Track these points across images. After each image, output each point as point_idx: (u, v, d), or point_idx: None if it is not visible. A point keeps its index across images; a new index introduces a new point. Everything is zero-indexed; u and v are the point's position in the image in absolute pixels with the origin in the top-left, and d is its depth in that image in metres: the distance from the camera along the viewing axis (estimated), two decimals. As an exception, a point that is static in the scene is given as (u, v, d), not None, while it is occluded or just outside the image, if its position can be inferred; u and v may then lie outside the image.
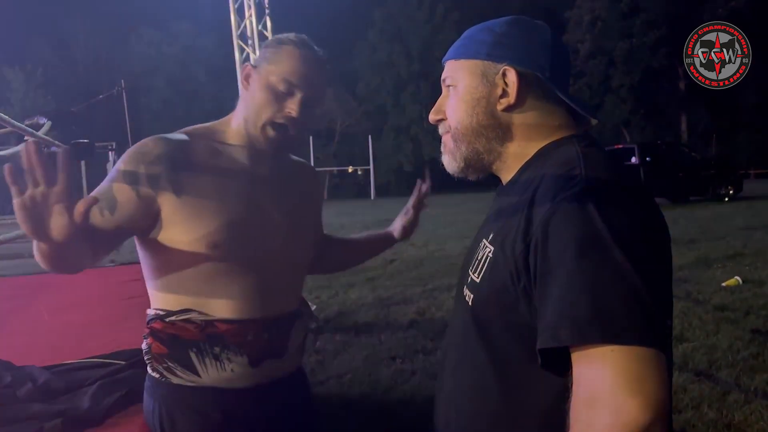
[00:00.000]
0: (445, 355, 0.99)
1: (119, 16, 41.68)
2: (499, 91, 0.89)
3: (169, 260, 1.15)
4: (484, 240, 0.88)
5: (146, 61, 42.44)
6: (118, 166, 1.15)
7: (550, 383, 0.77)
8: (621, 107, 37.50)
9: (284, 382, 1.26)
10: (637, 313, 0.68)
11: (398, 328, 4.75)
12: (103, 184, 1.13)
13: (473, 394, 0.87)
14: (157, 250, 1.16)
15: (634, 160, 15.32)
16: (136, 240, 1.20)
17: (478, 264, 0.87)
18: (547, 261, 0.74)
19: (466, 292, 0.89)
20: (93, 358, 1.68)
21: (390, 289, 6.34)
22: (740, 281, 5.66)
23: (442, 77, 0.96)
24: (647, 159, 15.49)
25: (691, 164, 16.47)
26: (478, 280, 0.86)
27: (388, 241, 1.55)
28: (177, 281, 1.15)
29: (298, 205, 1.30)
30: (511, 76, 0.87)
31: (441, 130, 0.97)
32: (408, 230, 1.53)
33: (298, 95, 1.16)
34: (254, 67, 1.20)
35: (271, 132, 1.17)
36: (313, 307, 5.31)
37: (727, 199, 16.23)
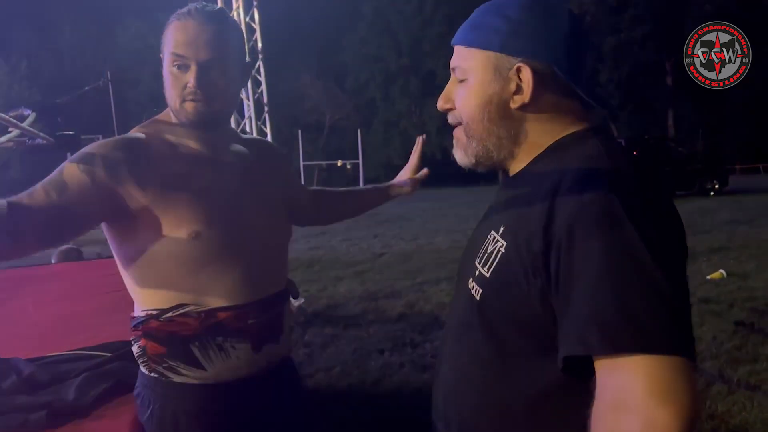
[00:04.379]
0: (444, 347, 0.95)
1: (105, 7, 41.14)
2: (513, 87, 0.84)
3: (153, 259, 1.13)
4: (494, 232, 0.85)
5: (132, 54, 41.96)
6: (75, 155, 1.12)
7: (557, 379, 0.76)
8: (609, 102, 37.65)
9: (281, 368, 1.27)
10: (669, 321, 0.67)
11: (387, 322, 4.76)
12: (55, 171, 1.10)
13: (477, 388, 0.85)
14: (139, 250, 1.14)
15: (621, 154, 15.41)
16: (114, 249, 1.19)
17: (489, 257, 0.83)
18: (572, 263, 0.71)
19: (473, 284, 0.86)
20: (79, 350, 1.66)
21: (379, 282, 6.35)
22: (725, 274, 5.74)
23: (452, 64, 0.90)
24: (634, 153, 15.59)
25: (677, 159, 16.61)
26: (488, 275, 0.83)
27: (385, 194, 1.61)
28: (165, 278, 1.14)
29: (265, 182, 1.30)
30: (526, 74, 0.82)
31: (450, 119, 0.92)
32: (415, 181, 1.60)
33: (192, 67, 1.14)
34: (161, 52, 1.20)
35: (187, 110, 1.16)
36: (302, 300, 5.30)
37: (712, 193, 16.39)
